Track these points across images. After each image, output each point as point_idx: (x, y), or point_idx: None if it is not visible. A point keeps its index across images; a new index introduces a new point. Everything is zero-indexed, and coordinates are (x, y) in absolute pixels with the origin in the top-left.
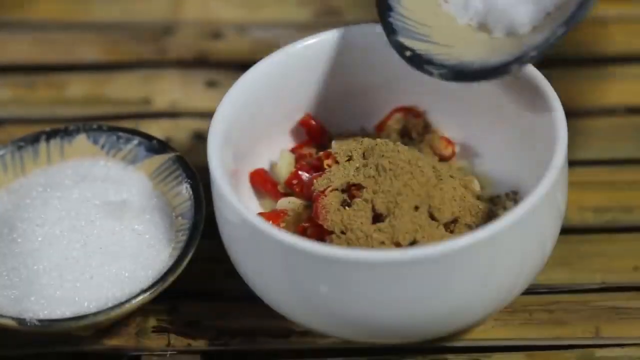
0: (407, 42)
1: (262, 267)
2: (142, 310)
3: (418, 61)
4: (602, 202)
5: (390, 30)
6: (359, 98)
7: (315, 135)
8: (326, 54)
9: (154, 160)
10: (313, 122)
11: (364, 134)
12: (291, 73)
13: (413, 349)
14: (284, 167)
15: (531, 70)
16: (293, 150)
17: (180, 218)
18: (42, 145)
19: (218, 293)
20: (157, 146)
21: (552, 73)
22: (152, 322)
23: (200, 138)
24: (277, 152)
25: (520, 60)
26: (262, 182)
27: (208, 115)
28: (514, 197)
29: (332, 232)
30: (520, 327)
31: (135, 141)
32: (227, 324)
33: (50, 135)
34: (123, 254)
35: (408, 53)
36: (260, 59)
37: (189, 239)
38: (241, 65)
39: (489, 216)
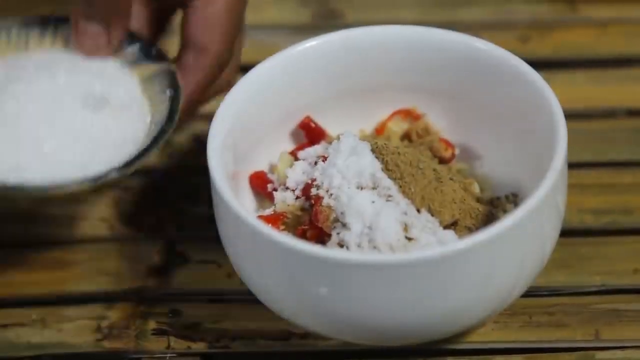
0: None
1: (261, 269)
2: (142, 313)
3: None
4: (602, 204)
5: None
6: (358, 100)
7: (314, 138)
8: (326, 56)
9: (149, 67)
10: (313, 125)
11: (364, 136)
12: (291, 75)
13: (413, 351)
14: (283, 169)
15: (530, 72)
16: (292, 153)
17: (153, 125)
18: (50, 30)
19: (218, 295)
20: (155, 54)
21: (552, 75)
22: (152, 324)
23: (200, 140)
24: (276, 154)
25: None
26: (262, 184)
27: (208, 117)
28: (514, 199)
29: (331, 235)
30: (520, 330)
31: (137, 45)
32: (227, 327)
33: (59, 23)
34: (97, 143)
35: None
36: (260, 61)
37: (154, 140)
38: (241, 67)
39: (489, 218)
